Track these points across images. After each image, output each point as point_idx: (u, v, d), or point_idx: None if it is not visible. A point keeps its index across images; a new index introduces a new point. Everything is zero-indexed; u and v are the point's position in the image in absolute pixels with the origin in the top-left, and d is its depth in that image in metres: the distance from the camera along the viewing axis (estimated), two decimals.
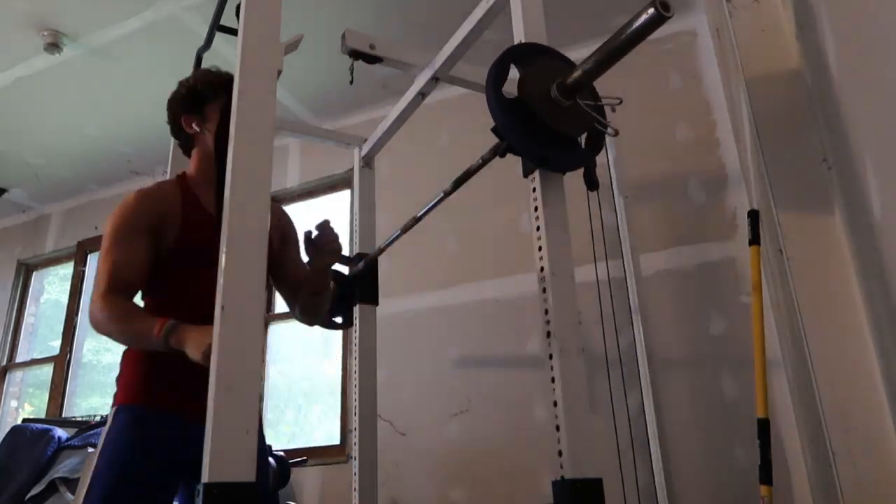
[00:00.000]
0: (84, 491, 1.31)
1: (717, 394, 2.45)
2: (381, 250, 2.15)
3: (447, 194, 1.77)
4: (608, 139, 2.40)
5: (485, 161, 1.55)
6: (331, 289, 1.75)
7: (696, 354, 2.53)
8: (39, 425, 2.77)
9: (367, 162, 2.42)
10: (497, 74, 1.29)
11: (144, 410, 1.40)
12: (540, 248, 1.25)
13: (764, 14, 2.01)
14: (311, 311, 1.76)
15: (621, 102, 1.31)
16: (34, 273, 4.56)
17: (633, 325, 2.23)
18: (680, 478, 2.16)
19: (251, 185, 1.04)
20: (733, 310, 2.50)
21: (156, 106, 3.36)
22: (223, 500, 0.87)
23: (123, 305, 1.37)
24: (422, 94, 2.05)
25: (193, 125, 1.56)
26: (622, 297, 2.28)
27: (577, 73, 1.27)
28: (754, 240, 2.17)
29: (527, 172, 1.32)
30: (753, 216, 2.20)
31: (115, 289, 1.37)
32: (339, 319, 2.14)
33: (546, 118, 1.27)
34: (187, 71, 2.11)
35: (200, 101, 1.57)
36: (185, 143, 1.61)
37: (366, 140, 2.41)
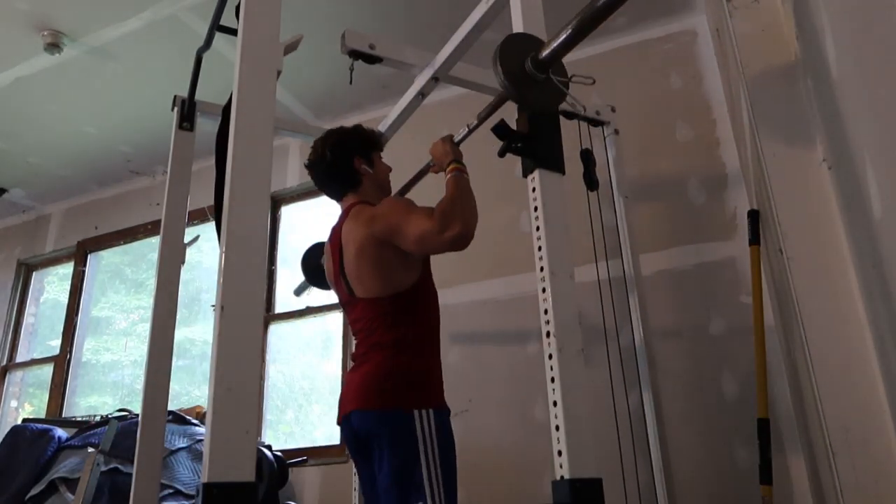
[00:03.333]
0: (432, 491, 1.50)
1: (717, 394, 2.45)
2: None
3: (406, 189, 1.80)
4: (608, 139, 2.40)
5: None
6: None
7: (696, 354, 2.53)
8: (39, 425, 2.77)
9: None
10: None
11: (447, 412, 1.66)
12: (540, 248, 1.25)
13: (764, 14, 2.01)
14: None
15: (594, 82, 1.33)
16: (34, 273, 4.56)
17: (632, 325, 2.23)
18: (680, 478, 2.16)
19: (251, 185, 1.04)
20: (733, 310, 2.50)
21: (156, 106, 3.41)
22: (223, 500, 0.87)
23: (441, 207, 1.59)
24: (422, 94, 2.05)
25: (363, 166, 1.84)
26: (622, 297, 2.27)
27: (552, 46, 1.28)
28: (754, 240, 2.17)
29: (526, 172, 1.32)
30: (753, 216, 2.20)
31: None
32: None
33: (523, 93, 1.30)
34: (187, 71, 2.11)
35: (370, 148, 1.88)
36: (351, 178, 1.85)
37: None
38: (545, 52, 1.29)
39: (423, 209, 1.62)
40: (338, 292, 1.85)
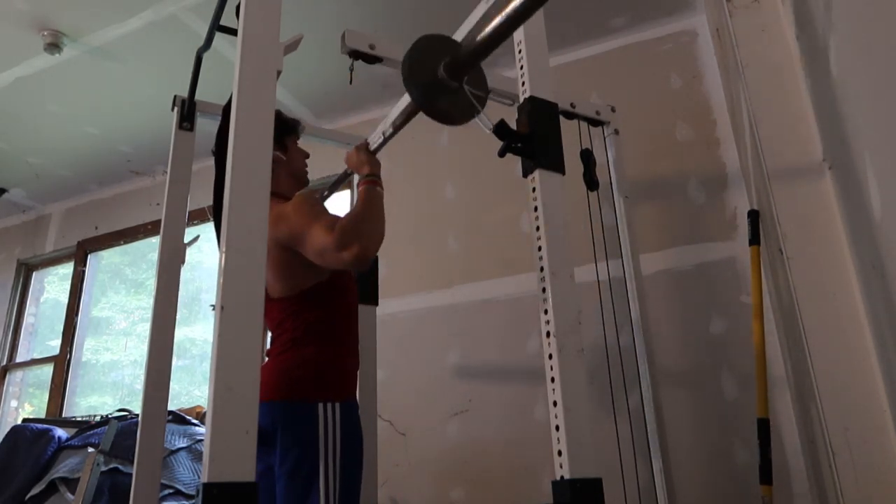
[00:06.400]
0: (325, 481, 1.48)
1: (717, 394, 2.45)
2: None
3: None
4: (608, 139, 2.40)
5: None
6: None
7: (696, 354, 2.53)
8: (39, 425, 2.77)
9: None
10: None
11: (354, 406, 1.63)
12: (540, 248, 1.25)
13: (764, 14, 2.01)
14: None
15: (513, 104, 1.23)
16: (34, 273, 4.57)
17: (632, 324, 2.23)
18: (680, 478, 2.16)
19: (251, 185, 1.04)
20: (733, 310, 2.50)
21: (156, 106, 3.41)
22: (223, 500, 0.87)
23: (343, 222, 1.53)
24: None
25: (276, 152, 1.74)
26: (622, 297, 2.27)
27: (464, 51, 1.17)
28: (754, 240, 2.17)
29: (526, 172, 1.32)
30: (753, 216, 2.20)
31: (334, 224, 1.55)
32: None
33: (430, 102, 1.21)
34: (187, 71, 2.11)
35: (283, 133, 1.83)
36: None
37: (366, 140, 2.41)
38: (458, 57, 1.18)
39: (329, 219, 1.55)
40: None
